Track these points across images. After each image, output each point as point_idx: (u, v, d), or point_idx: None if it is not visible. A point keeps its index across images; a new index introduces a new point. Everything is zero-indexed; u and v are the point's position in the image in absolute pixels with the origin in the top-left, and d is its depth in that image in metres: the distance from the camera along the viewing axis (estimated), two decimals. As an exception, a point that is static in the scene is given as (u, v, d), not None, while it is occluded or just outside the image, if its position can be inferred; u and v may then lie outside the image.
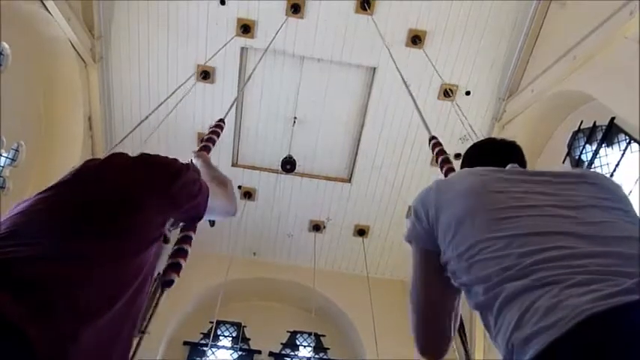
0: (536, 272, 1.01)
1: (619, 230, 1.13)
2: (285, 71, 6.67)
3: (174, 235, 1.93)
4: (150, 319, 1.74)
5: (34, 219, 1.19)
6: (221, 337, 7.76)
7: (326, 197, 7.53)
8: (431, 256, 1.42)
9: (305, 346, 7.87)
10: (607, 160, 4.98)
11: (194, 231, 2.08)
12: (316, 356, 7.84)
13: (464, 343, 2.16)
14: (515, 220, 1.19)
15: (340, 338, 7.86)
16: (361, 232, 7.76)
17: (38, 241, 1.11)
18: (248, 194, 7.48)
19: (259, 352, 7.63)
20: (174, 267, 1.97)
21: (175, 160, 1.53)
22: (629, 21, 4.17)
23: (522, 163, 1.71)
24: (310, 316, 7.29)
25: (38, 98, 5.87)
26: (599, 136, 5.04)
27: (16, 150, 5.65)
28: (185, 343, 7.47)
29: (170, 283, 1.91)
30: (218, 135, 3.01)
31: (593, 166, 5.15)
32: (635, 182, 4.43)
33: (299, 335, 7.94)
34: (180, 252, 2.02)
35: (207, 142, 2.82)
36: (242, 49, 6.46)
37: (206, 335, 7.54)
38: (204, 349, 7.42)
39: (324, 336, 7.86)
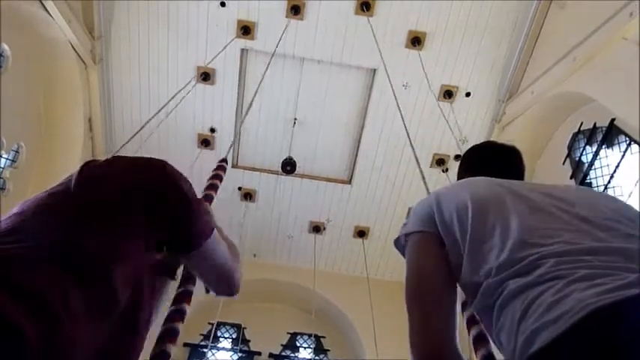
0: (539, 268, 1.02)
1: (620, 226, 1.14)
2: (286, 73, 6.67)
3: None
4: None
5: (35, 218, 1.20)
6: (221, 339, 7.75)
7: (326, 198, 7.53)
8: (432, 240, 1.36)
9: (305, 348, 7.87)
10: (607, 161, 4.98)
11: (194, 283, 1.77)
12: (316, 358, 7.83)
13: None
14: (517, 217, 1.20)
15: (340, 340, 7.85)
16: (361, 233, 7.76)
17: (38, 241, 1.12)
18: (248, 195, 7.48)
19: (259, 353, 7.63)
20: (164, 340, 1.56)
21: (180, 177, 1.38)
22: (629, 22, 4.18)
23: (520, 168, 1.72)
24: (310, 317, 7.28)
25: (38, 99, 5.88)
26: (600, 137, 5.04)
27: (16, 151, 5.65)
28: (185, 344, 7.46)
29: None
30: (221, 179, 2.51)
31: (593, 167, 5.15)
32: (635, 184, 4.43)
33: (299, 337, 7.93)
34: (176, 314, 1.70)
35: (209, 191, 2.26)
36: (242, 50, 6.47)
37: (206, 336, 7.53)
38: (205, 350, 7.41)
39: (324, 337, 7.85)
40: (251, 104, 4.66)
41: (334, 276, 7.92)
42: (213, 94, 6.70)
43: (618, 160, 4.77)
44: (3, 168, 5.51)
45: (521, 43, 6.05)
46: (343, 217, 7.66)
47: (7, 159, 5.54)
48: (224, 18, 6.22)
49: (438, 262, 1.32)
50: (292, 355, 7.79)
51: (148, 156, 1.45)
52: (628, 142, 4.67)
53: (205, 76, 6.55)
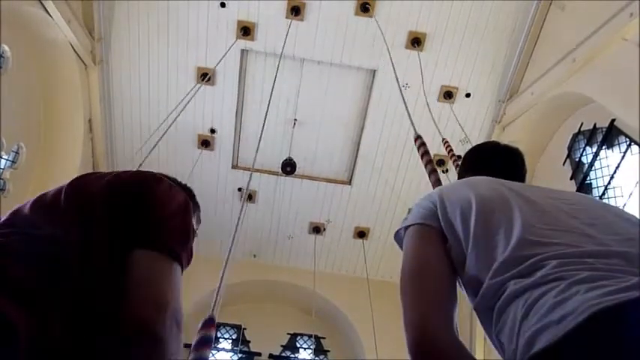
0: (542, 269, 1.02)
1: (621, 230, 1.14)
2: (286, 73, 6.67)
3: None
4: None
5: (28, 215, 1.22)
6: (221, 340, 7.75)
7: (326, 199, 7.52)
8: (432, 233, 1.31)
9: (305, 349, 7.86)
10: (607, 162, 4.98)
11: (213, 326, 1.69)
12: (316, 358, 7.82)
13: None
14: (519, 217, 1.20)
15: (340, 340, 7.85)
16: (361, 234, 7.76)
17: (29, 233, 1.14)
18: (248, 196, 7.48)
19: (259, 354, 7.62)
20: None
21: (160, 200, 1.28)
22: (629, 23, 4.18)
23: (522, 171, 1.71)
24: (310, 318, 7.27)
25: (38, 100, 5.87)
26: (600, 138, 5.04)
27: (16, 152, 5.65)
28: (185, 345, 7.42)
29: None
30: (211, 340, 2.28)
31: (593, 168, 5.15)
32: (636, 185, 4.43)
33: (299, 337, 7.93)
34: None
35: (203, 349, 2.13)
36: (242, 51, 6.47)
37: (206, 337, 7.52)
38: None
39: (324, 338, 7.85)
40: (268, 109, 4.61)
41: (334, 277, 7.91)
42: (213, 95, 6.70)
43: (618, 161, 4.77)
44: (3, 169, 5.50)
45: (521, 44, 6.05)
46: (343, 218, 7.66)
47: (7, 160, 5.53)
48: (224, 19, 6.22)
49: (438, 250, 1.26)
50: (292, 355, 7.79)
51: (147, 170, 1.43)
52: (628, 142, 4.67)
53: (205, 77, 6.56)
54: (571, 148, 5.57)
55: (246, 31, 6.25)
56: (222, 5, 6.12)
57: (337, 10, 6.11)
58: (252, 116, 7.00)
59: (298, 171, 6.96)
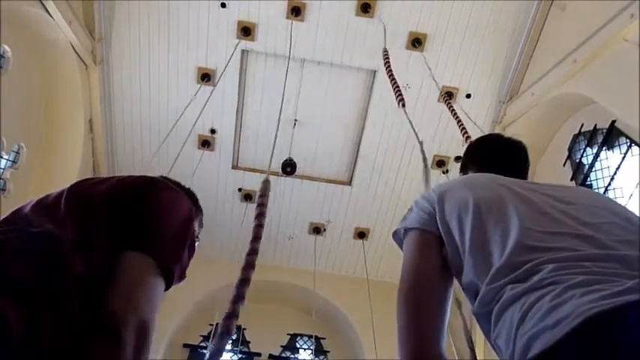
0: (538, 273, 1.02)
1: (621, 232, 1.13)
2: (286, 74, 6.67)
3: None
4: None
5: (28, 213, 1.24)
6: (221, 340, 7.73)
7: (326, 200, 7.52)
8: (434, 240, 1.35)
9: (305, 349, 7.86)
10: (608, 163, 4.98)
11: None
12: (316, 359, 7.82)
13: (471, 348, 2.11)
14: (518, 219, 1.19)
15: (340, 341, 7.85)
16: (361, 234, 7.76)
17: (26, 230, 1.14)
18: (248, 197, 7.48)
19: (259, 354, 7.62)
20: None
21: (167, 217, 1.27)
22: (630, 24, 4.18)
23: (526, 165, 1.70)
24: (310, 318, 7.27)
25: (39, 100, 5.88)
26: (600, 139, 5.04)
27: (17, 152, 5.65)
28: (185, 345, 7.46)
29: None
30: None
31: (593, 169, 5.15)
32: (636, 186, 4.42)
33: (299, 338, 7.93)
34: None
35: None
36: (243, 51, 6.47)
37: (206, 338, 7.53)
38: (204, 351, 7.41)
39: (324, 339, 7.84)
40: (281, 111, 4.59)
41: (334, 277, 7.91)
42: (213, 95, 6.69)
43: (619, 162, 4.77)
44: (3, 169, 5.50)
45: (522, 45, 6.05)
46: (343, 219, 7.66)
47: (7, 160, 5.53)
48: (224, 19, 6.22)
49: (435, 262, 1.31)
50: (292, 356, 7.79)
51: (148, 175, 1.41)
52: (628, 143, 4.67)
53: (205, 77, 6.56)
54: (571, 149, 5.57)
55: (246, 31, 6.25)
56: (223, 5, 6.12)
57: (338, 10, 6.11)
58: (253, 116, 7.00)
59: (298, 171, 6.95)
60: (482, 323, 1.15)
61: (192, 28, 6.29)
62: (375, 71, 6.54)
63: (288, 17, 6.09)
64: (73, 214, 1.21)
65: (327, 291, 7.54)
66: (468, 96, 6.59)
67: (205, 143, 7.03)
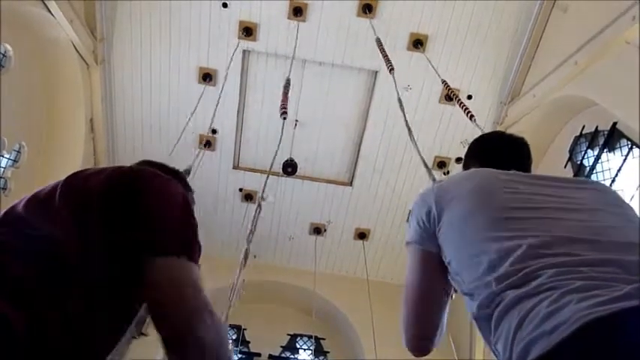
0: (537, 279, 1.01)
1: (621, 235, 1.12)
2: (287, 74, 6.67)
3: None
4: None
5: (23, 213, 1.22)
6: (221, 340, 7.74)
7: (327, 200, 7.52)
8: (430, 257, 1.42)
9: (305, 349, 7.86)
10: (609, 165, 4.97)
11: None
12: (316, 359, 7.82)
13: None
14: (519, 222, 1.19)
15: (340, 341, 7.85)
16: (362, 235, 7.75)
17: (22, 231, 1.14)
18: (249, 197, 7.48)
19: (259, 354, 7.62)
20: None
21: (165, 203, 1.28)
22: (632, 26, 4.17)
23: (528, 162, 1.68)
24: (310, 319, 7.27)
25: (40, 100, 5.88)
26: (601, 141, 5.03)
27: (18, 151, 5.66)
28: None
29: None
30: None
31: (594, 171, 5.14)
32: (637, 188, 4.42)
33: (299, 338, 7.92)
34: None
35: None
36: (244, 51, 6.47)
37: (206, 338, 7.52)
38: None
39: (324, 339, 7.84)
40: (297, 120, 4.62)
41: (334, 278, 7.91)
42: (214, 96, 6.70)
43: (620, 164, 4.77)
44: (5, 168, 5.51)
45: (523, 46, 6.05)
46: (344, 219, 7.66)
47: (8, 159, 5.54)
48: (226, 19, 6.22)
49: (434, 275, 1.42)
50: (292, 356, 7.79)
51: (135, 165, 1.41)
52: (630, 145, 4.66)
53: (207, 77, 6.56)
54: (572, 151, 5.56)
55: (248, 31, 6.26)
56: (224, 5, 6.12)
57: (339, 11, 6.11)
58: (254, 117, 7.00)
59: (299, 172, 6.94)
60: (482, 328, 1.15)
61: (193, 27, 6.29)
62: (376, 72, 6.54)
63: (289, 17, 6.09)
64: (68, 212, 1.19)
65: (327, 291, 7.54)
66: (470, 97, 6.58)
67: (206, 143, 7.03)
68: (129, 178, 1.29)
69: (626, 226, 1.18)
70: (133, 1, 6.15)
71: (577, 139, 5.50)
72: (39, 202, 1.24)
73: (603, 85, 4.71)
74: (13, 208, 1.25)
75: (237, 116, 6.92)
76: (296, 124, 6.92)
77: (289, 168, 6.71)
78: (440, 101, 6.59)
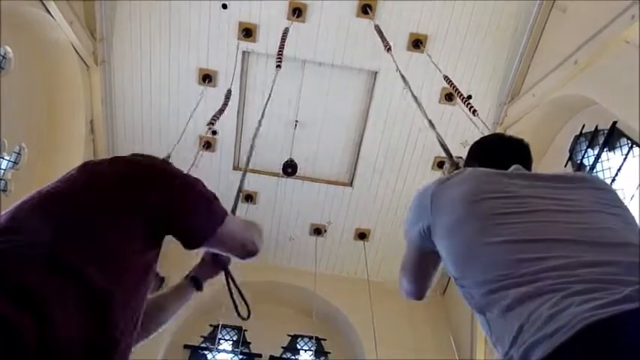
0: (536, 281, 1.01)
1: (620, 237, 1.12)
2: (287, 75, 6.67)
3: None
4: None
5: (30, 216, 1.21)
6: (222, 341, 7.74)
7: (327, 201, 7.52)
8: (424, 253, 1.59)
9: (306, 350, 7.85)
10: (609, 164, 4.97)
11: None
12: (317, 360, 7.82)
13: None
14: (514, 226, 1.18)
15: (341, 342, 7.84)
16: (362, 235, 7.75)
17: (35, 238, 1.13)
18: (249, 197, 7.48)
19: (260, 355, 7.62)
20: None
21: (179, 171, 1.45)
22: (631, 25, 4.17)
23: (528, 162, 1.69)
24: (311, 319, 7.27)
25: (40, 101, 5.88)
26: (601, 140, 5.04)
27: (18, 153, 5.66)
28: (185, 346, 7.45)
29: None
30: None
31: (594, 170, 5.14)
32: (637, 187, 4.42)
33: (300, 339, 7.92)
34: None
35: None
36: (244, 52, 6.47)
37: (207, 339, 7.53)
38: (205, 352, 7.41)
39: (324, 340, 7.84)
40: (264, 107, 4.69)
41: (335, 278, 7.91)
42: (214, 96, 6.70)
43: (620, 163, 4.77)
44: (5, 169, 5.51)
45: (523, 46, 6.05)
46: (344, 220, 7.66)
47: (8, 160, 5.54)
48: (225, 20, 6.23)
49: (424, 258, 1.64)
50: (293, 357, 7.78)
51: (148, 154, 1.48)
52: (630, 144, 4.67)
53: (207, 78, 6.56)
54: (572, 150, 5.56)
55: (247, 32, 6.26)
56: (224, 6, 6.12)
57: (338, 11, 6.12)
58: (254, 118, 7.00)
59: (299, 172, 6.95)
60: (482, 324, 1.15)
61: (193, 29, 6.30)
62: (376, 72, 6.55)
63: (289, 18, 6.09)
64: (92, 210, 1.21)
65: (327, 292, 7.54)
66: (469, 97, 6.57)
67: (206, 144, 7.04)
68: (147, 170, 1.42)
69: (625, 228, 1.18)
70: (133, 1, 6.15)
71: (577, 138, 5.50)
72: (51, 205, 1.25)
73: (603, 85, 4.71)
74: (17, 215, 1.22)
75: (237, 117, 6.92)
76: (296, 125, 6.92)
77: (289, 168, 6.72)
78: (440, 101, 6.59)
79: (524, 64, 6.14)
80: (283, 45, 5.19)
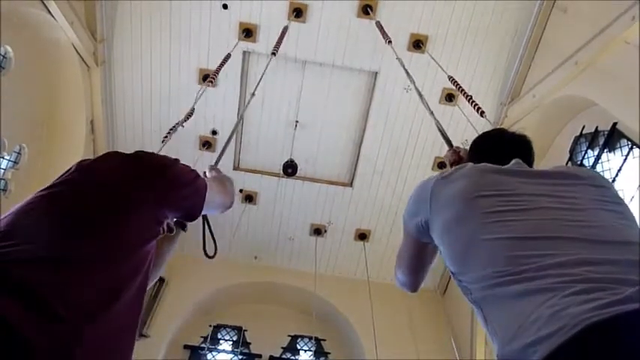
0: (535, 279, 1.01)
1: (620, 235, 1.12)
2: (287, 75, 6.68)
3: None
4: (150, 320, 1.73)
5: (31, 219, 1.21)
6: (222, 341, 7.74)
7: (327, 201, 7.52)
8: (421, 245, 1.63)
9: (306, 350, 7.85)
10: (609, 165, 4.97)
11: None
12: (317, 360, 7.82)
13: None
14: (512, 223, 1.18)
15: (341, 342, 7.84)
16: (362, 236, 7.75)
17: (34, 242, 1.12)
18: (249, 198, 7.48)
19: (260, 356, 7.62)
20: None
21: (165, 156, 1.53)
22: (631, 26, 4.17)
23: (530, 158, 1.68)
24: (311, 320, 7.27)
25: (41, 101, 5.89)
26: (601, 141, 5.03)
27: (18, 153, 5.66)
28: (185, 346, 7.45)
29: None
30: None
31: (595, 171, 5.14)
32: (637, 188, 4.42)
33: (300, 339, 7.92)
34: None
35: None
36: (244, 53, 6.48)
37: (206, 339, 7.53)
38: (205, 352, 7.41)
39: (324, 340, 7.84)
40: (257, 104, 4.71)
41: (335, 279, 7.91)
42: (215, 97, 6.71)
43: (620, 164, 4.77)
44: (5, 169, 5.51)
45: (523, 47, 6.05)
46: (344, 220, 7.66)
47: (9, 160, 5.54)
48: (226, 20, 6.23)
49: (420, 250, 1.67)
50: (293, 357, 7.77)
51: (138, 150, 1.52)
52: (630, 145, 4.66)
53: (207, 79, 6.56)
54: (573, 151, 5.56)
55: (248, 32, 6.26)
56: (225, 7, 6.13)
57: (339, 12, 6.12)
58: (254, 118, 7.01)
59: (299, 173, 6.96)
60: (479, 315, 1.15)
61: (193, 29, 6.30)
62: (376, 73, 6.55)
63: (289, 18, 6.09)
64: (87, 216, 1.21)
65: (327, 292, 7.54)
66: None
67: (206, 144, 7.04)
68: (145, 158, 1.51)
69: (625, 225, 1.18)
70: (134, 2, 6.16)
71: (577, 139, 5.50)
72: (43, 205, 1.25)
73: (603, 86, 4.71)
74: (15, 215, 1.22)
75: (237, 117, 6.92)
76: (296, 125, 6.93)
77: (290, 169, 6.73)
78: (440, 102, 6.59)
79: (524, 65, 6.14)
80: (282, 39, 5.24)
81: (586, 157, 5.30)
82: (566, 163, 5.59)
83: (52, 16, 5.18)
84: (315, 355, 7.80)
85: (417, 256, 1.70)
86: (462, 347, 6.76)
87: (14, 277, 1.01)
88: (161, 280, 7.24)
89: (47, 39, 5.52)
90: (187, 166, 1.59)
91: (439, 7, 6.06)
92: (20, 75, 5.35)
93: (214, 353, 7.59)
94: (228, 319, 7.79)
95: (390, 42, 5.12)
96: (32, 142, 5.80)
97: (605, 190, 1.35)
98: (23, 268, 1.04)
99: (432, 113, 3.55)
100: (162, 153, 1.64)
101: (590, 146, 5.23)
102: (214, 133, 7.01)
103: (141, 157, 1.46)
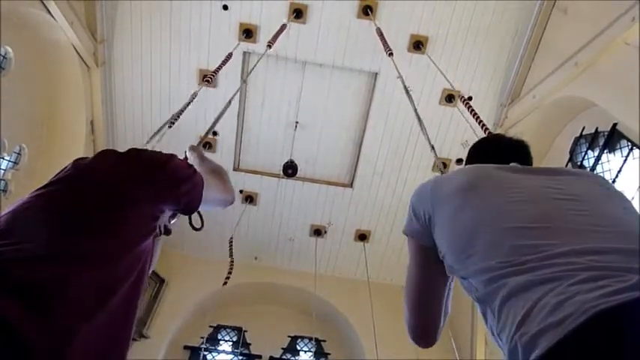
0: (540, 268, 1.01)
1: (623, 225, 1.12)
2: (287, 76, 6.68)
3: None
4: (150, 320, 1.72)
5: (28, 217, 1.21)
6: (221, 342, 7.74)
7: (327, 202, 7.52)
8: (426, 251, 1.48)
9: (306, 351, 7.85)
10: (609, 166, 4.97)
11: None
12: (317, 361, 7.82)
13: None
14: (514, 214, 1.18)
15: (341, 343, 7.84)
16: (362, 236, 7.75)
17: (32, 240, 1.12)
18: (249, 198, 7.48)
19: (260, 356, 7.62)
20: None
21: (161, 152, 1.52)
22: (631, 27, 4.17)
23: (528, 162, 1.68)
24: (311, 320, 7.27)
25: (41, 101, 5.89)
26: (601, 142, 5.03)
27: (18, 153, 5.66)
28: (185, 347, 7.45)
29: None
30: None
31: (594, 172, 5.14)
32: (637, 189, 4.42)
33: (300, 340, 7.92)
34: None
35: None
36: (244, 53, 6.48)
37: (206, 339, 7.53)
38: (205, 353, 7.40)
39: (324, 341, 7.84)
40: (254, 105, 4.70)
41: (335, 279, 7.91)
42: (215, 97, 6.71)
43: (620, 165, 4.77)
44: (5, 170, 5.52)
45: (523, 48, 6.05)
46: (344, 221, 7.66)
47: (9, 161, 5.55)
48: (226, 21, 6.23)
49: (432, 267, 1.47)
50: (293, 358, 7.78)
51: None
52: (630, 146, 4.66)
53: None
54: (573, 152, 5.56)
55: (248, 33, 6.27)
56: (225, 8, 6.13)
57: (339, 12, 6.12)
58: (254, 118, 7.01)
59: (299, 173, 6.96)
60: (484, 313, 1.14)
61: (194, 29, 6.30)
62: (376, 73, 6.55)
63: (289, 19, 6.09)
64: (84, 214, 1.21)
65: (327, 293, 7.54)
66: (470, 98, 6.58)
67: (206, 145, 7.04)
68: (140, 154, 1.51)
69: (628, 215, 1.18)
70: (134, 2, 6.16)
71: (577, 140, 5.50)
72: (40, 205, 1.25)
73: (603, 86, 4.71)
74: (12, 215, 1.22)
75: (238, 118, 6.93)
76: (296, 126, 6.93)
77: (290, 169, 6.73)
78: (440, 103, 6.59)
79: (524, 66, 6.14)
80: (279, 33, 5.27)
81: (586, 157, 5.30)
82: (566, 164, 5.59)
83: (52, 17, 5.18)
84: (315, 356, 7.79)
85: (426, 281, 1.53)
86: (462, 347, 6.76)
87: (14, 276, 1.01)
88: (161, 280, 7.24)
89: (47, 39, 5.52)
90: (184, 161, 1.58)
91: (439, 7, 6.07)
92: (20, 75, 5.35)
93: (214, 354, 7.59)
94: (228, 320, 7.79)
95: (391, 54, 5.05)
96: (32, 142, 5.80)
97: (606, 183, 1.39)
98: (23, 268, 1.04)
99: (420, 122, 3.61)
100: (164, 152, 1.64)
101: (590, 147, 5.23)
102: (215, 133, 7.00)
103: (137, 154, 1.46)
